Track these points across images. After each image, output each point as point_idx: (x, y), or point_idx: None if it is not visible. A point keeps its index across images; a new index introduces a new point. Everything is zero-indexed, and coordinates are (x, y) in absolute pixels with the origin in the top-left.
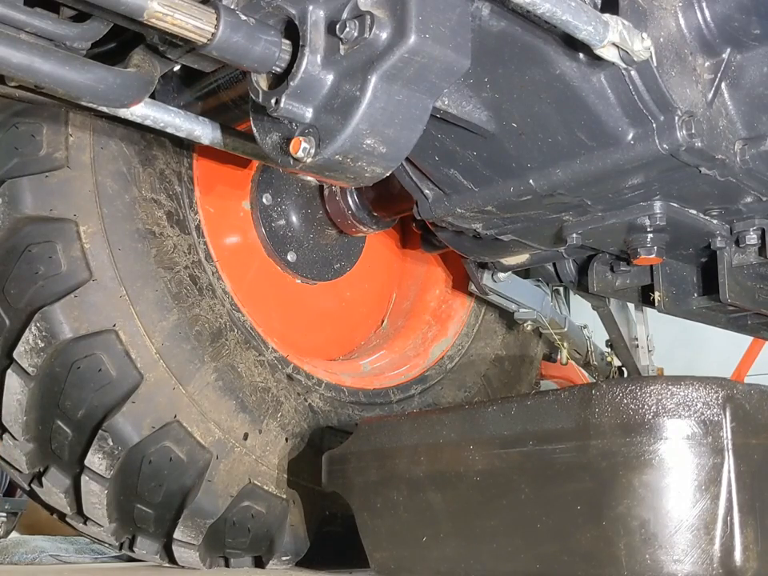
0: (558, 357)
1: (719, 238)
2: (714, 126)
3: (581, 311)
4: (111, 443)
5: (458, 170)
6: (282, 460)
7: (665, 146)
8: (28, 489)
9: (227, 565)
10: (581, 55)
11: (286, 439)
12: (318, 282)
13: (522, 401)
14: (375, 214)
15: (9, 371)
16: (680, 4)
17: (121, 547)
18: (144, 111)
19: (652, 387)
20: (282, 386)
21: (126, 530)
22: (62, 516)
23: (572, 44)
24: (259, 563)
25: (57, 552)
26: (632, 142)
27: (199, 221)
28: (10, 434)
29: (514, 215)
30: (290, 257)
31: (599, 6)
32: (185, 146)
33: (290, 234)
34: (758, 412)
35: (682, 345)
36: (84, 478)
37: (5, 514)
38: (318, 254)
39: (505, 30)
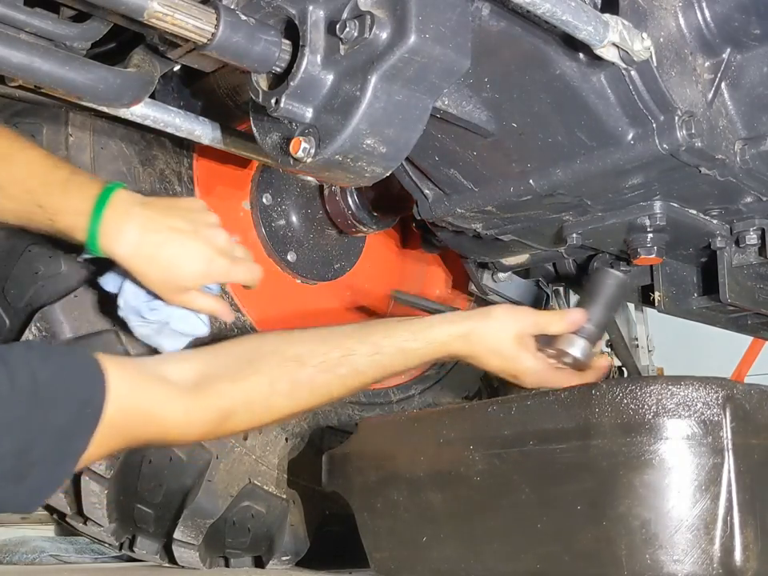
0: None
1: (719, 238)
2: (714, 125)
3: None
4: None
5: (458, 169)
6: (282, 460)
7: (665, 145)
8: None
9: (227, 565)
10: (581, 55)
11: (286, 439)
12: (318, 282)
13: (522, 401)
14: (375, 213)
15: None
16: (680, 4)
17: (121, 547)
18: (144, 111)
19: (652, 387)
20: None
21: (125, 530)
22: (62, 516)
23: (572, 44)
24: (259, 563)
25: (57, 552)
26: (632, 142)
27: None
28: None
29: (514, 215)
30: (290, 257)
31: (599, 6)
32: (185, 146)
33: (289, 234)
34: (758, 412)
35: (682, 345)
36: (84, 478)
37: None
38: (318, 253)
39: (505, 30)
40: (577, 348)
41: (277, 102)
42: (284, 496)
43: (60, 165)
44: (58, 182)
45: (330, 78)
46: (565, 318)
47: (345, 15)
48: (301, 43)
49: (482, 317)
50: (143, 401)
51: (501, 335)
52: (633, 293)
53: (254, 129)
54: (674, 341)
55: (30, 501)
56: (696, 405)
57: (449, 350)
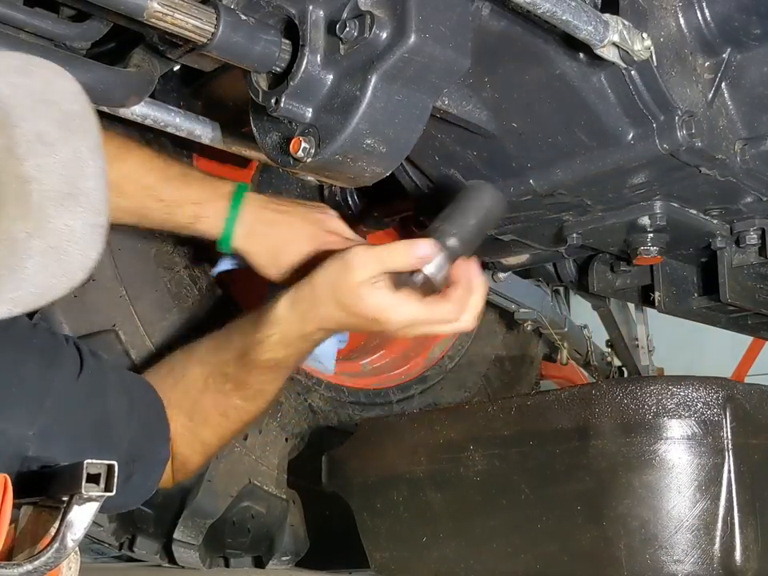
0: (558, 357)
1: (719, 238)
2: (714, 125)
3: (581, 311)
4: None
5: (458, 169)
6: (282, 460)
7: (665, 145)
8: None
9: (227, 565)
10: (581, 55)
11: (286, 439)
12: None
13: (522, 401)
14: (375, 214)
15: None
16: (680, 4)
17: (121, 547)
18: (144, 111)
19: (652, 387)
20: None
21: (126, 530)
22: None
23: (572, 44)
24: (259, 563)
25: None
26: (632, 142)
27: None
28: None
29: (515, 215)
30: None
31: (599, 6)
32: (185, 146)
33: None
34: (758, 412)
35: (682, 345)
36: None
37: None
38: None
39: (505, 30)
40: (432, 265)
41: (277, 101)
42: (284, 496)
43: (171, 161)
44: (177, 176)
45: (329, 77)
46: (410, 252)
47: (345, 15)
48: (301, 43)
49: (314, 272)
50: None
51: (340, 282)
52: (633, 293)
53: (253, 129)
54: (673, 341)
55: (131, 500)
56: (696, 405)
57: (283, 322)
